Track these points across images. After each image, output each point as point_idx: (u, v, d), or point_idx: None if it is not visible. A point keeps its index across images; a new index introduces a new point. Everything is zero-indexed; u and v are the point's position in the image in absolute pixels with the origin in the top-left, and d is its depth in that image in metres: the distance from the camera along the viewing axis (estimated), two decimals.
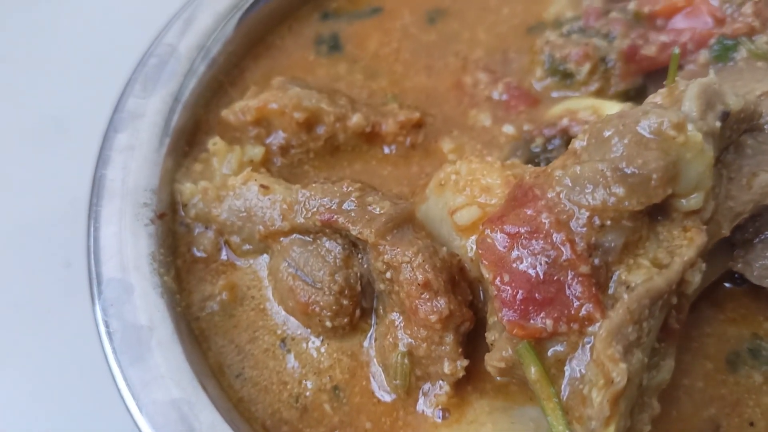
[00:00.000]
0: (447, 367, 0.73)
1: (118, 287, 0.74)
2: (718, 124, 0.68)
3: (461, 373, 0.73)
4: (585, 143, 0.68)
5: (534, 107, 0.92)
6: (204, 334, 0.78)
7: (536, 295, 0.66)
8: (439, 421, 0.73)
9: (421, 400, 0.74)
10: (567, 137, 0.88)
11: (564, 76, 0.92)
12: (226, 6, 0.95)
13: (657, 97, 0.73)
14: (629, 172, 0.64)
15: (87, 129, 0.88)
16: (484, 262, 0.68)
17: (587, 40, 0.91)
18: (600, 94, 0.91)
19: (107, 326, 0.72)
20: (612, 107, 0.87)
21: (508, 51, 0.98)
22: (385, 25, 1.02)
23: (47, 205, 1.00)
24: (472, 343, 0.75)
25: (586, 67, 0.90)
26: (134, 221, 0.79)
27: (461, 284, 0.75)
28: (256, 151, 0.87)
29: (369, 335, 0.78)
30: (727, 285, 0.81)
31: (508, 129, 0.90)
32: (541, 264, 0.67)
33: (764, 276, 0.76)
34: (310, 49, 1.00)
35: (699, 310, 0.79)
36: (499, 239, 0.68)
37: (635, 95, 0.92)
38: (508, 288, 0.67)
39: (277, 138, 0.88)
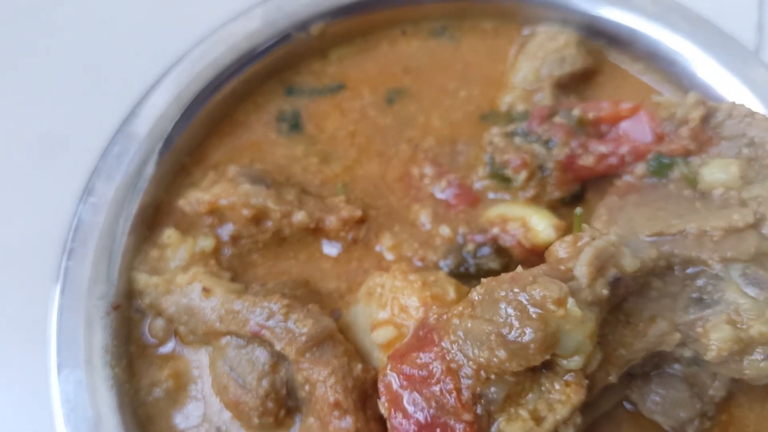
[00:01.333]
0: None
1: (72, 383, 0.84)
2: (605, 292, 0.73)
3: None
4: (480, 298, 0.74)
5: (473, 207, 0.97)
6: (150, 418, 0.88)
7: None
8: None
9: None
10: (496, 246, 0.93)
11: (502, 180, 0.96)
12: (190, 89, 1.01)
13: (562, 245, 0.78)
14: (510, 339, 0.71)
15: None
16: (383, 398, 0.76)
17: (527, 147, 0.94)
18: (536, 200, 0.95)
19: (65, 417, 0.83)
20: (540, 220, 0.92)
21: (458, 141, 1.02)
22: (344, 104, 1.06)
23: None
24: None
25: (523, 175, 0.94)
26: (92, 313, 0.88)
27: (373, 398, 0.83)
28: (207, 243, 0.94)
29: (290, 429, 0.87)
30: (627, 406, 0.87)
31: (444, 231, 0.95)
32: (431, 407, 0.74)
33: (654, 411, 0.83)
34: (272, 126, 1.05)
35: (598, 428, 0.86)
36: (396, 379, 0.76)
37: (571, 201, 0.96)
38: (401, 425, 0.75)
39: (228, 229, 0.95)
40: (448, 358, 0.74)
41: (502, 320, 0.71)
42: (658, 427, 0.85)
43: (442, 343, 0.75)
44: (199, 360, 0.91)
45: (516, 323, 0.70)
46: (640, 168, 0.92)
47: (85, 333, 0.87)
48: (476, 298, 0.75)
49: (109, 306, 0.90)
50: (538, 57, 1.03)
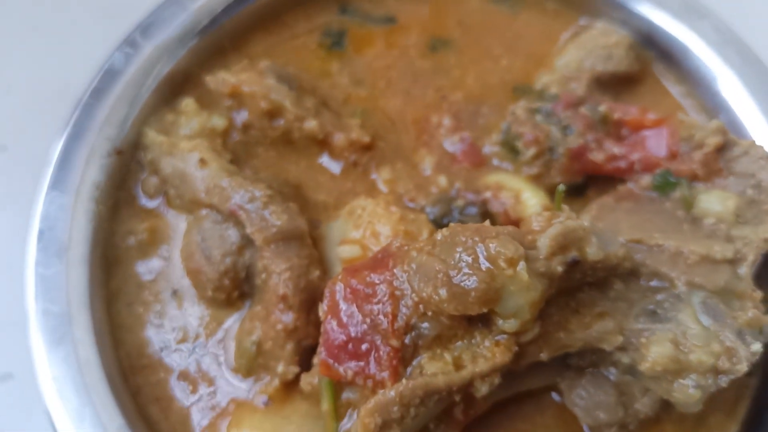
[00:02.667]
0: (281, 368, 0.86)
1: (56, 205, 0.89)
2: (560, 268, 0.74)
3: (290, 376, 0.85)
4: (442, 238, 0.77)
5: (476, 168, 0.99)
6: (116, 260, 0.93)
7: (350, 346, 0.77)
8: (261, 406, 0.87)
9: (254, 384, 0.88)
10: (484, 209, 0.95)
11: (511, 150, 0.97)
12: None
13: (538, 218, 0.79)
14: (455, 282, 0.73)
15: None
16: (325, 302, 0.79)
17: (545, 127, 0.96)
18: (537, 179, 0.96)
19: (39, 232, 0.88)
20: (533, 196, 0.94)
21: (484, 104, 1.03)
22: (390, 38, 1.08)
23: None
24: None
25: (532, 151, 0.95)
26: (95, 150, 0.93)
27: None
28: (220, 122, 0.98)
29: (240, 314, 0.91)
30: (555, 397, 0.89)
31: (442, 180, 0.97)
32: (364, 324, 0.78)
33: (576, 404, 0.84)
34: (316, 38, 1.08)
35: (521, 406, 0.88)
36: (342, 289, 0.79)
37: (571, 191, 0.97)
38: (331, 332, 0.79)
39: (243, 115, 0.98)
40: (395, 284, 0.77)
41: (453, 263, 0.73)
42: (578, 424, 0.87)
43: (395, 270, 0.77)
44: (177, 225, 0.95)
45: (465, 269, 0.72)
46: (646, 179, 0.93)
47: (83, 165, 0.92)
48: (439, 238, 0.77)
49: (113, 149, 0.94)
50: (587, 48, 1.04)
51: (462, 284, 0.72)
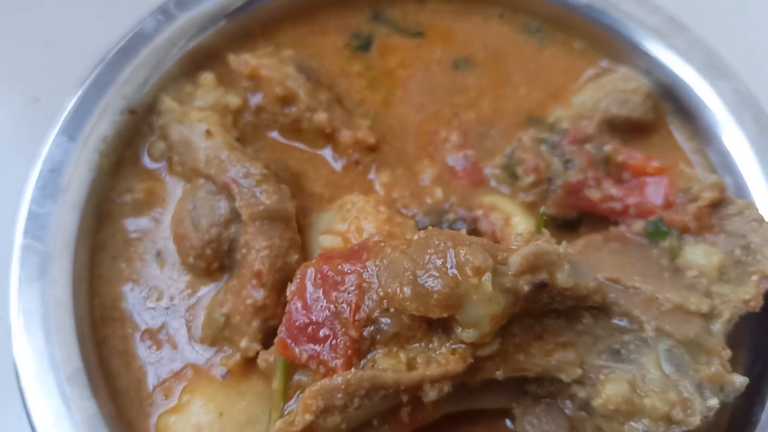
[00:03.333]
0: (244, 343, 0.87)
1: (61, 149, 0.93)
2: (526, 288, 0.74)
3: (251, 353, 0.86)
4: (417, 239, 0.77)
5: (473, 186, 1.00)
6: (109, 213, 0.95)
7: (310, 329, 0.78)
8: (218, 377, 0.88)
9: (216, 355, 0.89)
10: (473, 226, 0.96)
11: (510, 175, 0.98)
12: None
13: (517, 237, 0.79)
14: (420, 282, 0.73)
15: None
16: (294, 283, 0.80)
17: (547, 157, 0.96)
18: (531, 207, 0.96)
19: (40, 172, 0.92)
20: (522, 222, 0.94)
21: (494, 127, 1.04)
22: (415, 50, 1.10)
23: None
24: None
25: (530, 179, 0.95)
26: (110, 105, 0.97)
27: None
28: (235, 101, 1.01)
29: (216, 285, 0.92)
30: (509, 425, 0.88)
31: (438, 192, 0.98)
32: (327, 310, 0.78)
33: (526, 431, 0.83)
34: (344, 38, 1.10)
35: (474, 426, 0.88)
36: (313, 274, 0.80)
37: (563, 225, 0.97)
38: (295, 313, 0.79)
39: (257, 98, 1.01)
40: (364, 276, 0.78)
41: (422, 263, 0.74)
42: None
43: (367, 263, 0.78)
44: (174, 191, 0.98)
45: (432, 271, 0.73)
46: (638, 225, 0.92)
47: (95, 117, 0.95)
48: (415, 238, 0.77)
49: (126, 107, 0.97)
50: (605, 89, 1.04)
51: (426, 285, 0.73)
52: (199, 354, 0.89)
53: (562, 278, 0.76)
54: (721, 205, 0.89)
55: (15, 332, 0.83)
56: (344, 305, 0.77)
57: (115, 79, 0.98)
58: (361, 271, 0.78)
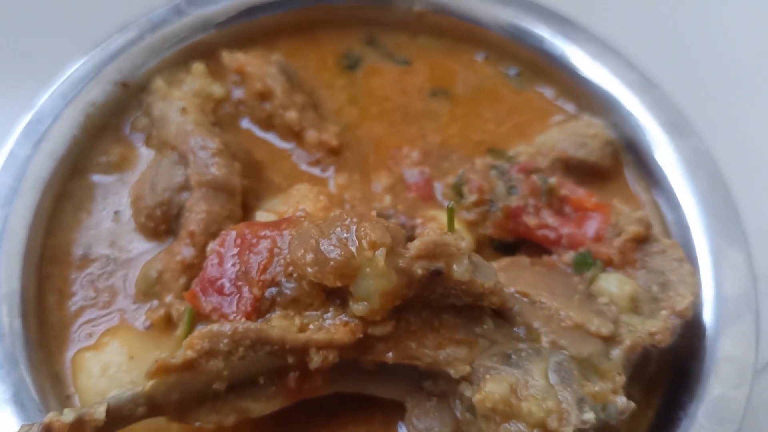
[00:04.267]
0: (168, 299, 0.92)
1: (52, 105, 1.03)
2: (419, 271, 0.77)
3: (174, 309, 0.91)
4: (332, 216, 0.82)
5: (423, 200, 1.04)
6: (82, 168, 1.03)
7: (218, 284, 0.83)
8: (141, 328, 0.93)
9: (143, 307, 0.94)
10: (411, 234, 0.99)
11: (457, 193, 1.02)
12: None
13: (430, 231, 0.83)
14: (321, 248, 0.77)
15: None
16: (216, 242, 0.86)
17: (493, 180, 1.00)
18: (471, 225, 1.00)
19: (28, 122, 1.01)
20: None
21: (455, 153, 1.09)
22: (398, 76, 1.17)
23: None
24: None
25: (473, 198, 0.99)
26: (106, 75, 1.07)
27: None
28: (219, 91, 1.09)
29: (160, 247, 0.98)
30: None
31: (386, 199, 1.03)
32: (239, 269, 0.83)
33: (412, 423, 0.84)
34: (335, 56, 1.19)
35: (371, 414, 0.89)
36: (234, 236, 0.85)
37: (499, 248, 1.00)
38: (210, 268, 0.84)
39: (239, 92, 1.10)
40: (277, 243, 0.82)
41: (327, 234, 0.78)
42: None
43: (284, 232, 0.83)
44: (145, 161, 1.06)
45: (334, 241, 0.77)
46: (569, 256, 0.94)
47: (88, 80, 1.05)
48: (331, 215, 0.82)
49: (120, 80, 1.08)
50: (566, 132, 1.08)
51: (324, 253, 0.77)
52: (129, 305, 0.95)
53: (459, 271, 0.79)
54: (645, 242, 0.90)
55: None
56: (254, 265, 0.82)
57: (116, 56, 1.09)
58: (277, 237, 0.83)
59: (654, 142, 1.07)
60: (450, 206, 0.82)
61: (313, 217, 0.85)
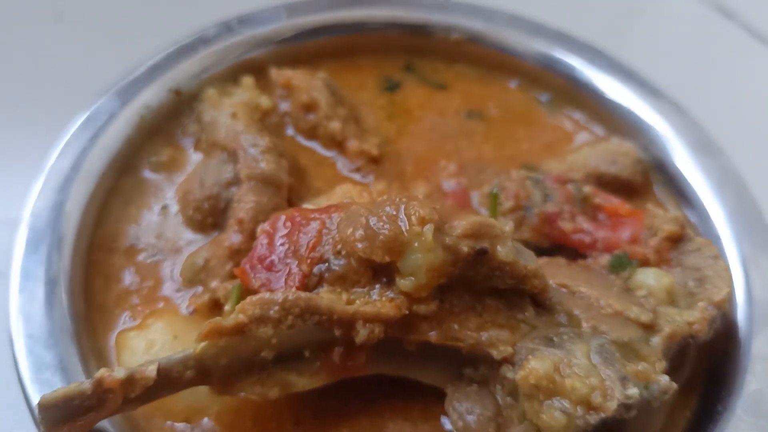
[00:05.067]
0: (213, 284, 0.94)
1: (110, 105, 1.08)
2: (464, 249, 0.80)
3: (219, 293, 0.93)
4: (381, 199, 0.85)
5: (460, 208, 1.07)
6: (133, 166, 1.07)
7: (267, 261, 0.85)
8: (185, 313, 0.95)
9: (188, 294, 0.96)
10: None
11: (494, 200, 1.05)
12: (357, 16, 1.26)
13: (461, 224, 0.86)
14: (371, 225, 0.80)
15: None
16: (266, 224, 0.89)
17: (529, 189, 1.04)
18: None
19: (85, 119, 1.07)
20: None
21: (489, 167, 1.13)
22: (435, 99, 1.23)
23: None
24: None
25: (509, 204, 1.02)
26: (163, 83, 1.13)
27: None
28: (266, 102, 1.14)
29: (205, 239, 1.01)
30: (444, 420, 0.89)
31: None
32: (288, 248, 0.86)
33: (452, 406, 0.85)
34: (377, 79, 1.25)
35: (410, 405, 0.89)
36: (284, 220, 0.88)
37: (535, 251, 1.01)
38: (259, 247, 0.87)
39: (285, 105, 1.16)
40: (326, 224, 0.86)
41: (376, 213, 0.81)
42: None
43: (332, 214, 0.86)
44: (192, 163, 1.10)
45: (384, 218, 0.80)
46: (604, 258, 0.97)
47: (143, 85, 1.11)
48: (379, 199, 0.85)
49: (174, 87, 1.13)
50: (597, 151, 1.12)
51: (374, 229, 0.80)
52: (173, 293, 0.97)
53: (503, 251, 0.81)
54: (681, 242, 0.93)
55: (23, 225, 0.94)
56: (303, 244, 0.85)
57: (170, 66, 1.15)
58: (326, 219, 0.86)
59: (682, 161, 1.11)
60: (494, 191, 0.85)
61: (361, 203, 0.88)
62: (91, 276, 0.97)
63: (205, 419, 0.87)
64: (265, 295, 0.79)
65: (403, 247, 0.79)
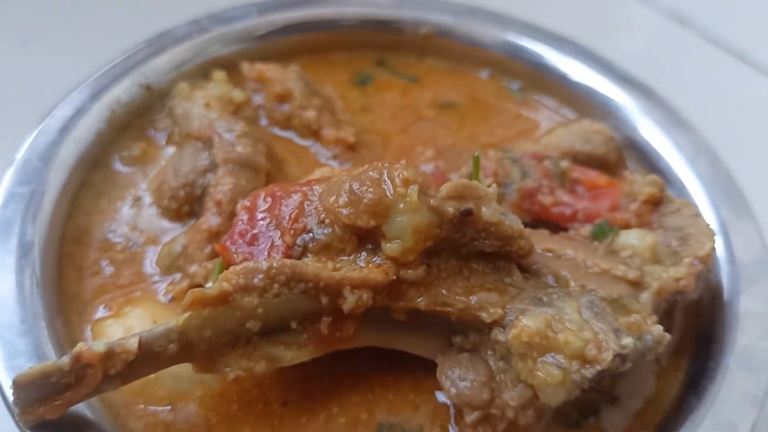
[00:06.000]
0: (192, 269, 0.92)
1: (80, 99, 1.06)
2: (450, 209, 0.79)
3: (198, 279, 0.91)
4: (364, 167, 0.84)
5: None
6: (103, 160, 1.05)
7: (249, 236, 0.83)
8: (164, 301, 0.92)
9: (166, 282, 0.94)
10: None
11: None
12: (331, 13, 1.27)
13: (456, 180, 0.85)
14: (354, 190, 0.79)
15: None
16: (246, 200, 0.87)
17: (507, 166, 1.04)
18: None
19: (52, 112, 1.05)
20: None
21: (466, 151, 1.14)
22: (408, 91, 1.24)
23: None
24: None
25: (488, 182, 1.02)
26: (134, 78, 1.11)
27: None
28: (239, 96, 1.13)
29: (182, 228, 0.99)
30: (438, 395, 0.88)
31: None
32: (269, 222, 0.84)
33: (445, 374, 0.82)
34: (348, 74, 1.26)
35: (400, 378, 0.87)
36: (263, 195, 0.87)
37: None
38: (240, 224, 0.85)
39: (258, 98, 1.15)
40: (308, 195, 0.84)
41: (361, 178, 0.80)
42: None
43: (314, 187, 0.85)
44: (164, 157, 1.08)
45: (367, 183, 0.79)
46: (586, 229, 0.97)
47: (116, 84, 1.10)
48: (361, 168, 0.84)
49: (145, 83, 1.12)
50: (571, 131, 1.13)
51: (358, 194, 0.79)
52: (150, 282, 0.94)
53: (488, 212, 0.80)
54: (660, 204, 0.93)
55: None
56: (285, 216, 0.83)
57: (141, 62, 1.14)
58: (307, 191, 0.85)
59: (653, 137, 1.13)
60: (476, 156, 0.85)
61: (342, 173, 0.87)
62: (64, 268, 0.94)
63: (189, 404, 0.84)
64: (250, 263, 0.77)
65: (387, 210, 0.78)
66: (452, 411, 0.85)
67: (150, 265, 0.96)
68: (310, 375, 0.86)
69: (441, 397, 0.87)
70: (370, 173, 0.80)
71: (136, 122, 1.11)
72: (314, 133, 1.12)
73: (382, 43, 1.29)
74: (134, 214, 1.01)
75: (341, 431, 0.83)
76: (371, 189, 0.78)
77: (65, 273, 0.93)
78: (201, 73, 1.18)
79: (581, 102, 1.21)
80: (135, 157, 1.07)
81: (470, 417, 0.81)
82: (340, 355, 0.86)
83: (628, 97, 1.17)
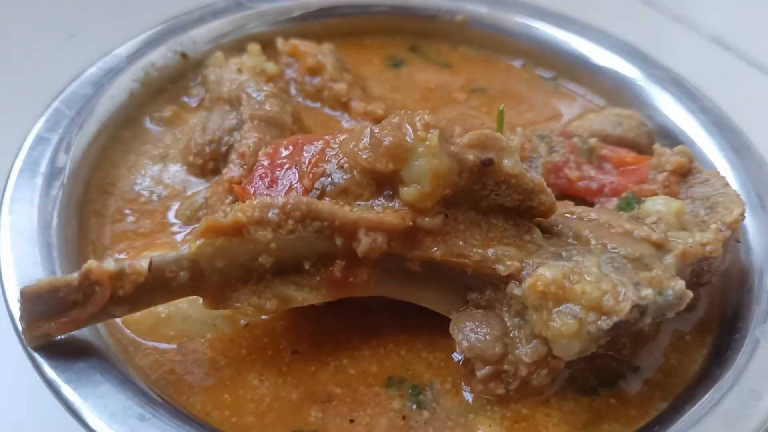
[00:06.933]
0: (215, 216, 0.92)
1: (115, 61, 1.09)
2: (470, 158, 0.78)
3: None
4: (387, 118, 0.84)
5: None
6: (136, 119, 1.08)
7: (268, 179, 0.83)
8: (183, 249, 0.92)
9: (186, 231, 0.94)
10: None
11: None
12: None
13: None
14: (375, 134, 0.79)
15: None
16: (269, 147, 0.87)
17: (535, 141, 1.02)
18: None
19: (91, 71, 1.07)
20: None
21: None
22: (440, 76, 1.24)
23: None
24: None
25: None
26: (170, 46, 1.14)
27: None
28: (272, 68, 1.15)
29: (205, 184, 1.00)
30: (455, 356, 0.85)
31: None
32: (291, 167, 0.84)
33: (458, 328, 0.81)
34: (383, 57, 1.27)
35: (414, 336, 0.85)
36: (287, 142, 0.87)
37: None
38: (261, 168, 0.85)
39: (291, 72, 1.16)
40: (330, 143, 0.84)
41: (383, 123, 0.80)
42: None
43: (337, 136, 0.85)
44: (194, 120, 1.10)
45: (388, 128, 0.79)
46: (612, 203, 0.94)
47: (151, 47, 1.12)
48: (387, 119, 0.84)
49: (180, 50, 1.15)
50: (602, 115, 1.12)
51: (379, 137, 0.78)
52: (170, 230, 0.94)
53: (509, 163, 0.79)
54: (689, 175, 0.91)
55: (25, 144, 0.94)
56: (304, 161, 0.83)
57: (178, 34, 1.17)
58: (330, 139, 0.85)
59: (687, 126, 1.11)
60: (501, 109, 0.84)
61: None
62: (86, 214, 0.95)
63: (198, 346, 0.83)
64: (266, 198, 0.77)
65: (407, 153, 0.77)
66: (465, 371, 0.82)
67: (171, 217, 0.96)
68: (322, 327, 0.85)
69: (455, 357, 0.84)
70: (393, 120, 0.80)
71: (170, 87, 1.13)
72: (343, 105, 1.13)
73: (416, 29, 1.30)
74: (160, 170, 1.02)
75: (350, 381, 0.81)
76: (392, 133, 0.78)
77: (87, 220, 0.94)
78: (237, 47, 1.20)
79: (614, 91, 1.20)
80: (166, 118, 1.09)
81: (481, 372, 0.79)
82: (354, 309, 0.85)
83: (661, 87, 1.16)
